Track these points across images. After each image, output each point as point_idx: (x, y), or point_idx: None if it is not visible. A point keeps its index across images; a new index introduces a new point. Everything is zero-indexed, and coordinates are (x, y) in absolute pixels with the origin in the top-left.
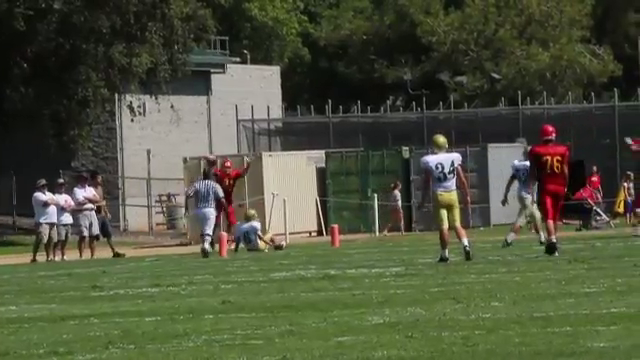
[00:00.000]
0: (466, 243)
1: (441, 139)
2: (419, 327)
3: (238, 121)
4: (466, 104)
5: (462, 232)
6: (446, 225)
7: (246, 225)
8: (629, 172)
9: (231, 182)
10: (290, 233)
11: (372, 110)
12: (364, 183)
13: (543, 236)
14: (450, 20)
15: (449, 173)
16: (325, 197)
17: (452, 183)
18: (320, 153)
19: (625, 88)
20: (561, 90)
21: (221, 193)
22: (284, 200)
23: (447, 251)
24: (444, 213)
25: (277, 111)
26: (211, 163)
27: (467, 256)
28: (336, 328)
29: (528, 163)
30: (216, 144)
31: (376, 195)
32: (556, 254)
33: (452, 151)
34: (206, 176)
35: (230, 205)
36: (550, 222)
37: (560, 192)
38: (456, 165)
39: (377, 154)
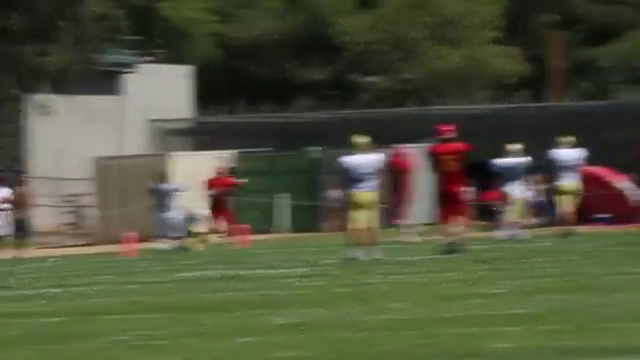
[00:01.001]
0: (377, 256)
1: (361, 139)
2: (323, 328)
3: (150, 121)
4: (377, 104)
5: (376, 237)
6: (358, 225)
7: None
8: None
9: (225, 190)
10: (201, 233)
11: (283, 110)
12: (274, 183)
13: (520, 234)
14: (362, 21)
15: (369, 174)
16: (236, 197)
17: (371, 184)
18: (232, 153)
19: (536, 89)
20: (472, 91)
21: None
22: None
23: (356, 251)
24: (358, 213)
25: (189, 111)
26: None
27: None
28: (240, 328)
29: (510, 160)
30: (127, 144)
31: (287, 195)
32: (457, 253)
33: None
34: (162, 180)
35: (226, 210)
36: (448, 224)
37: (457, 191)
38: (377, 166)
39: (287, 154)
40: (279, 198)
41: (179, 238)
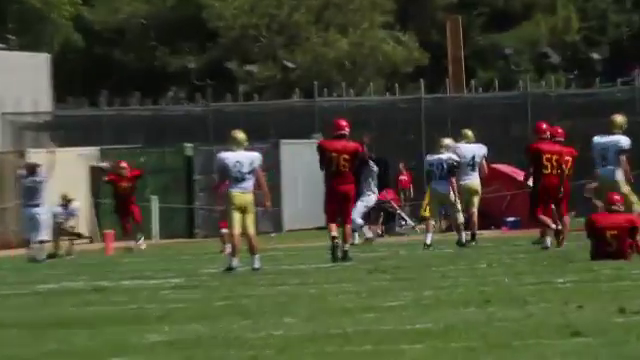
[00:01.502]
0: (257, 265)
1: (240, 135)
2: (202, 345)
3: (1, 114)
4: (257, 96)
5: (256, 244)
6: (238, 230)
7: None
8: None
9: (129, 185)
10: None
11: (152, 102)
12: (142, 183)
13: (464, 236)
14: (239, 3)
15: (248, 173)
16: (98, 199)
17: (250, 184)
18: (94, 150)
19: (432, 79)
20: (362, 80)
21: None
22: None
23: (236, 260)
24: (237, 216)
25: (46, 103)
26: (104, 171)
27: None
28: (110, 347)
29: (442, 156)
30: None
31: (156, 197)
32: (349, 261)
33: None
34: (32, 172)
35: (133, 205)
36: (333, 225)
37: (349, 192)
38: (255, 165)
39: (157, 151)
40: (147, 200)
41: (43, 242)
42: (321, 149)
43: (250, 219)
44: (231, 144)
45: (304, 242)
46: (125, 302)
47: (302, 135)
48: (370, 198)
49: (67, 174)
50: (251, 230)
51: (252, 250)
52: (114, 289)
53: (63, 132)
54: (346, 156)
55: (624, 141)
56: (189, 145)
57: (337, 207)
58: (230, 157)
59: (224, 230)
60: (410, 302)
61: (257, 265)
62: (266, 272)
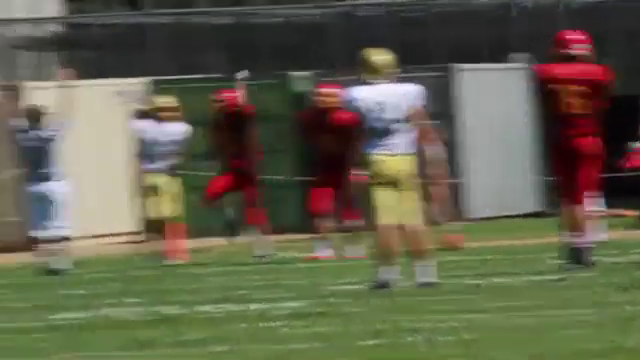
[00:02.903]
0: (428, 279)
1: (381, 57)
2: None
3: None
4: None
5: (423, 243)
6: (390, 219)
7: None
8: None
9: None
10: (91, 236)
11: (232, 3)
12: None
13: None
14: None
15: (398, 121)
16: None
17: (404, 141)
18: (139, 82)
19: None
20: None
21: None
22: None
23: (392, 269)
24: (386, 198)
25: (53, 6)
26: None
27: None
28: None
29: None
30: None
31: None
32: (585, 267)
33: (399, 79)
34: (35, 123)
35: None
36: (578, 209)
37: (591, 151)
38: (412, 107)
39: (252, 84)
40: None
41: (62, 240)
42: (541, 78)
43: (409, 201)
44: (366, 73)
45: (505, 238)
46: (205, 341)
47: (492, 56)
48: None
49: (97, 124)
50: (413, 219)
51: (417, 252)
52: (186, 319)
53: (84, 53)
54: (584, 88)
55: None
56: (300, 75)
57: (572, 177)
58: (365, 96)
59: (348, 222)
60: None
61: (428, 278)
62: (442, 290)
